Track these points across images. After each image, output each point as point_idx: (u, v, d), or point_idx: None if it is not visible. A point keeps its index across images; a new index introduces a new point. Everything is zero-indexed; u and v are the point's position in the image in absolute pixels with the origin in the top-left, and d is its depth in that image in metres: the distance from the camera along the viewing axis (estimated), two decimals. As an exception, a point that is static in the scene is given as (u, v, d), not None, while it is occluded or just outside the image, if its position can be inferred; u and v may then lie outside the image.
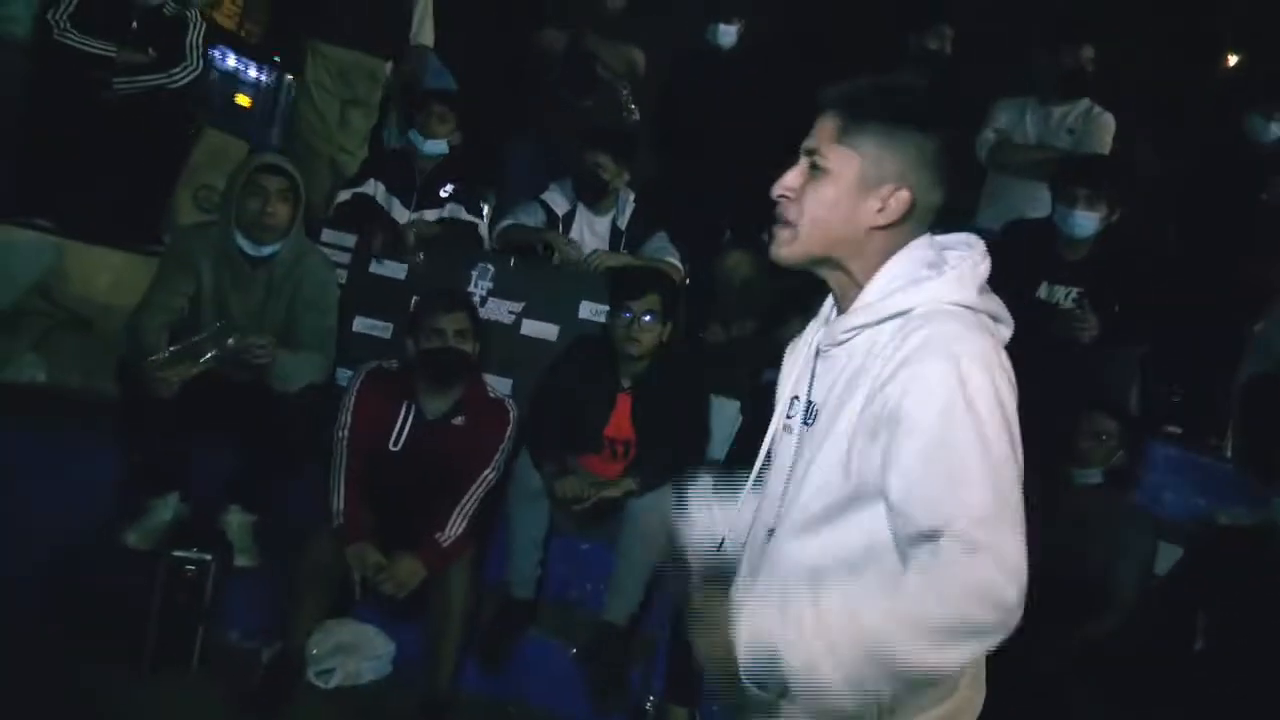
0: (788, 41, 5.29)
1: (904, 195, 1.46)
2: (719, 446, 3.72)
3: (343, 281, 3.92)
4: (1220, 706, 2.82)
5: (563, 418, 3.44)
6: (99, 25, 4.22)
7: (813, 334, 1.60)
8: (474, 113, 4.56)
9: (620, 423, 3.51)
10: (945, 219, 1.53)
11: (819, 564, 1.44)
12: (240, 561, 3.30)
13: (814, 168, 1.48)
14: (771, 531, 1.54)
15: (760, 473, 1.64)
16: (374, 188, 4.26)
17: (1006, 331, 1.48)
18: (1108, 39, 4.96)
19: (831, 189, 1.46)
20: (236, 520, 3.33)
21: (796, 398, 1.58)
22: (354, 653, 3.26)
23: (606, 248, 4.24)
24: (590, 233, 4.29)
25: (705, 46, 4.92)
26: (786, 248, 1.49)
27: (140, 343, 3.21)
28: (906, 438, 1.34)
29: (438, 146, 4.33)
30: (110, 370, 3.34)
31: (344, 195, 4.27)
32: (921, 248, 1.48)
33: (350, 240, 4.09)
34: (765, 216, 4.41)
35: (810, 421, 1.52)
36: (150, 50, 4.31)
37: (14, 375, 3.81)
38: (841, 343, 1.49)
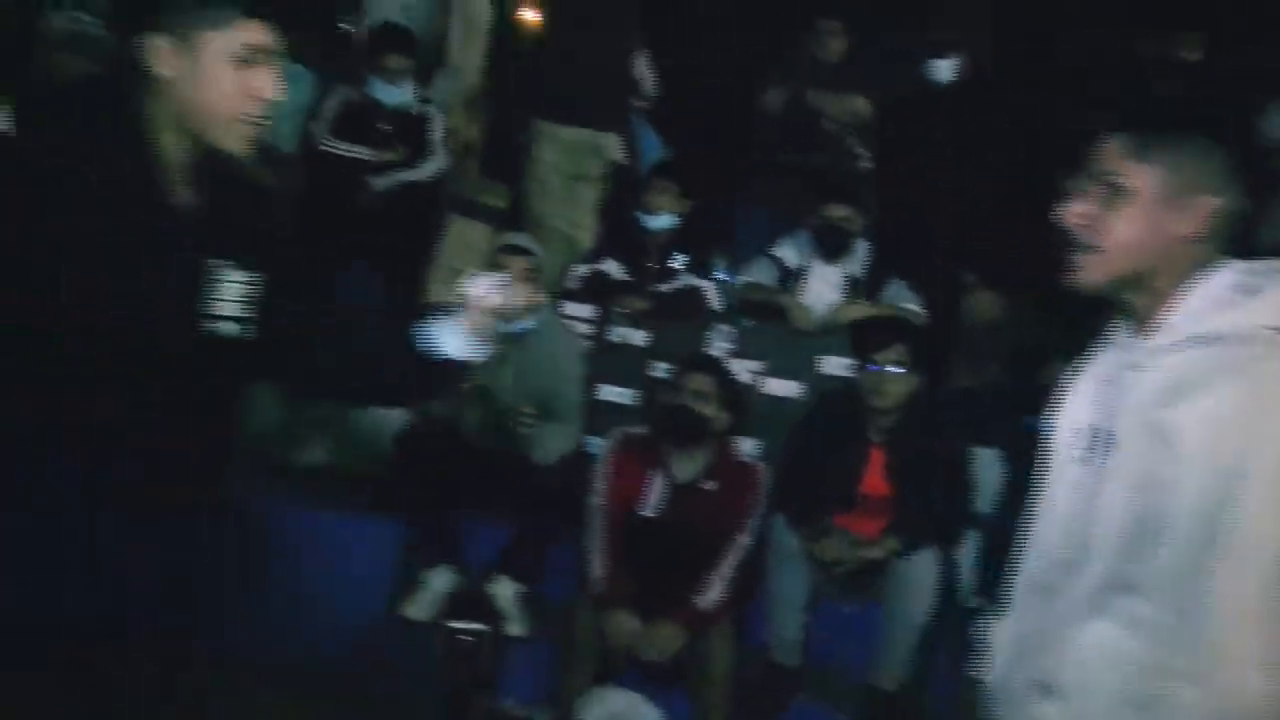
0: (1007, 70, 5.08)
1: (1209, 203, 1.43)
2: (983, 498, 3.54)
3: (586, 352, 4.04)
4: None
5: (814, 476, 3.37)
6: (354, 131, 4.59)
7: (1104, 363, 1.54)
8: (699, 181, 4.62)
9: (874, 478, 3.40)
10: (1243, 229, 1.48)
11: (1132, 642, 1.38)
12: (512, 630, 3.39)
13: (1111, 188, 1.45)
14: (1036, 583, 1.52)
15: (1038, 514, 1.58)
16: (610, 265, 4.38)
17: None
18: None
19: (1135, 207, 1.44)
20: (506, 589, 3.44)
21: (1087, 429, 1.51)
22: (621, 720, 3.27)
23: (842, 299, 4.17)
24: (825, 285, 4.23)
25: (925, 84, 4.81)
26: (1093, 272, 1.46)
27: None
28: None
29: (664, 222, 4.41)
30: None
31: (580, 269, 4.42)
32: (1231, 272, 1.43)
33: (587, 312, 4.21)
34: (1003, 255, 4.18)
35: (1107, 453, 1.46)
36: (400, 148, 4.63)
37: (300, 457, 4.11)
38: (1145, 366, 1.44)
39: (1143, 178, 1.44)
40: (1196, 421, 1.35)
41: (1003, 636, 1.62)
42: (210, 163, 1.59)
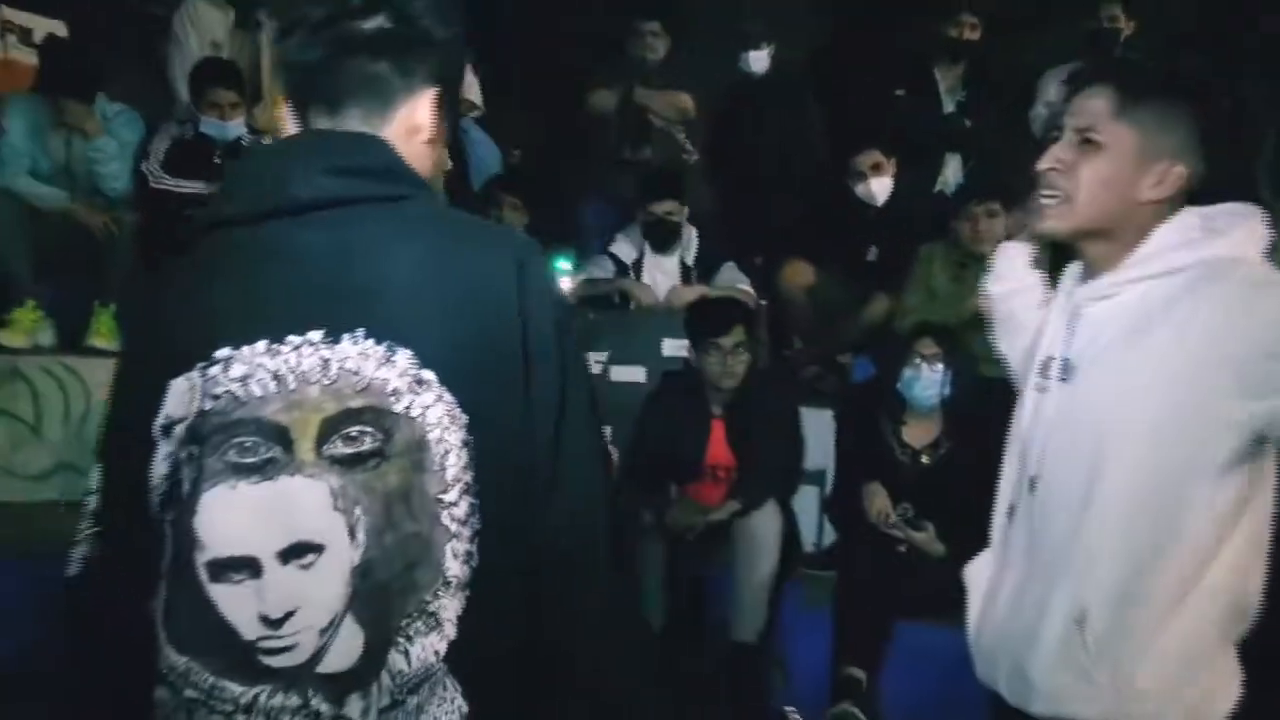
0: (815, 50, 5.42)
1: (1180, 170, 1.48)
2: (815, 455, 3.83)
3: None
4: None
5: (661, 453, 3.59)
6: (187, 167, 4.59)
7: (1065, 296, 1.61)
8: (537, 189, 4.78)
9: (718, 449, 3.65)
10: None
11: (1100, 541, 1.47)
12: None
13: (1087, 142, 1.49)
14: (1034, 480, 1.56)
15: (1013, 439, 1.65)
16: None
17: None
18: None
19: (1108, 164, 1.48)
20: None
21: (1051, 358, 1.58)
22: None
23: (678, 284, 4.41)
24: (661, 274, 4.47)
25: (741, 77, 5.09)
26: (1058, 220, 1.52)
27: None
28: None
29: None
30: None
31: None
32: (1191, 215, 1.50)
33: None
34: (822, 228, 4.49)
35: (1067, 378, 1.53)
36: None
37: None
38: (1108, 296, 1.51)
39: (1120, 136, 1.47)
40: (1159, 351, 1.41)
41: (983, 571, 1.69)
42: None
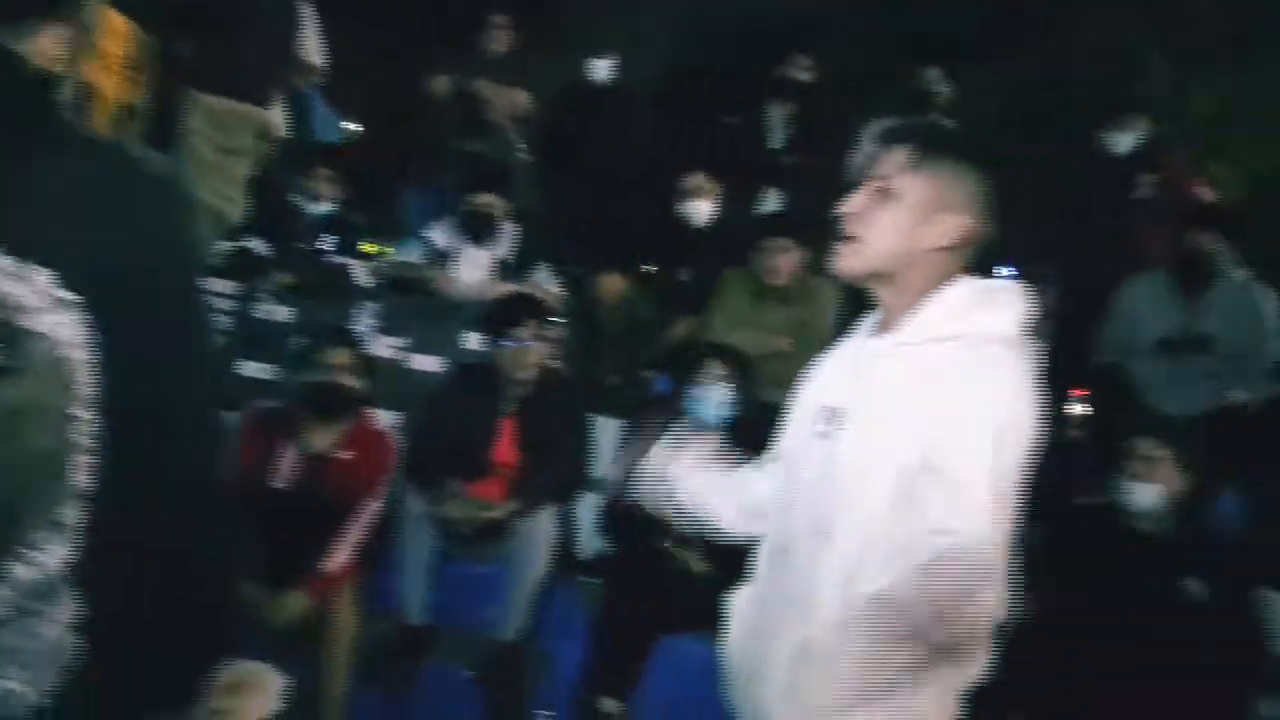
0: (657, 72, 5.52)
1: (963, 223, 1.61)
2: (604, 465, 3.85)
3: (228, 328, 3.99)
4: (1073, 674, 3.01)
5: (448, 444, 3.54)
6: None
7: (852, 348, 1.70)
8: (362, 165, 4.67)
9: (506, 447, 3.62)
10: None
11: (828, 579, 1.54)
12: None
13: (882, 191, 1.61)
14: (783, 549, 1.64)
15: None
16: (256, 244, 4.34)
17: (1037, 366, 1.59)
18: (958, 61, 5.28)
19: (900, 212, 1.60)
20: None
21: (828, 409, 1.64)
22: (242, 691, 3.27)
23: (490, 280, 4.37)
24: (474, 267, 4.42)
25: (582, 83, 5.12)
26: (850, 260, 1.63)
27: None
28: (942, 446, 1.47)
29: (324, 208, 4.43)
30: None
31: (225, 246, 4.34)
32: (972, 284, 1.62)
33: (232, 288, 4.16)
34: (644, 243, 4.57)
35: (844, 427, 1.60)
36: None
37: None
38: (888, 356, 1.60)
39: (912, 187, 1.60)
40: (907, 416, 1.50)
41: (743, 603, 1.72)
42: None
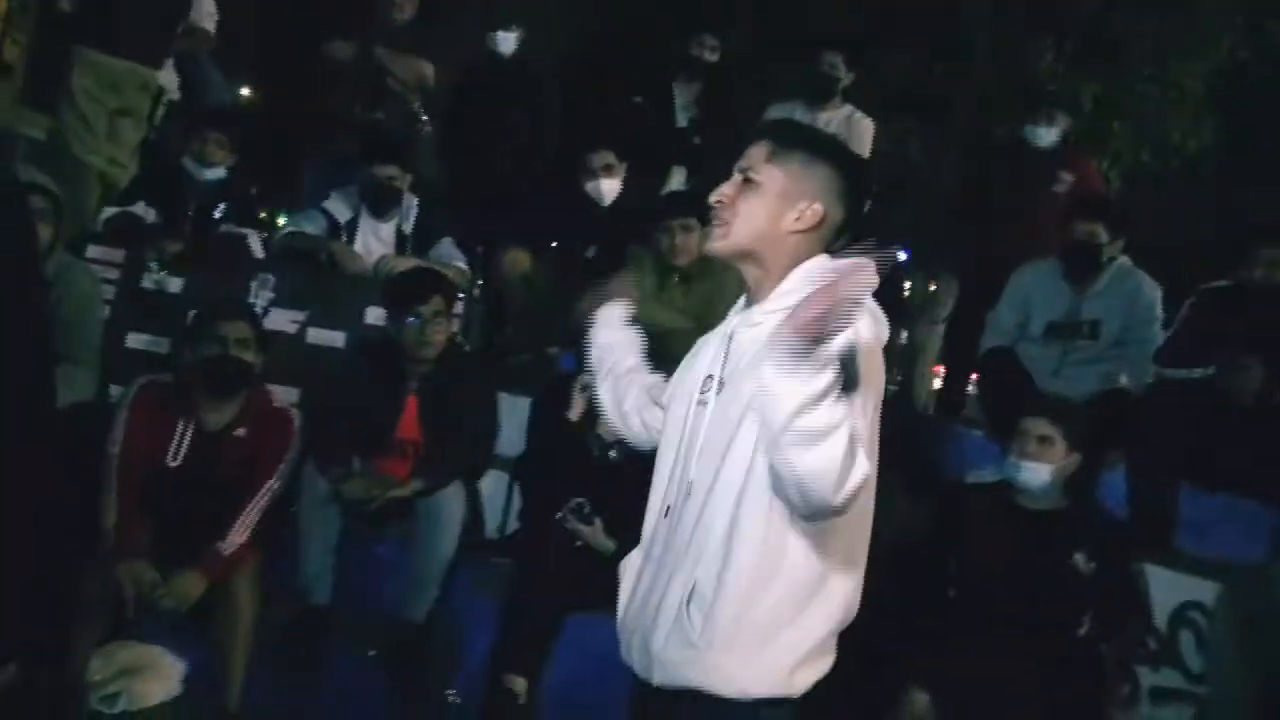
0: (564, 48, 5.47)
1: (817, 209, 1.79)
2: (509, 442, 3.83)
3: (111, 298, 3.81)
4: (969, 647, 3.12)
5: (350, 422, 3.46)
6: None
7: (727, 323, 1.87)
8: (253, 132, 4.50)
9: (410, 424, 3.56)
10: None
11: (711, 527, 1.72)
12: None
13: (746, 181, 1.80)
14: (691, 485, 1.77)
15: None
16: (144, 210, 4.15)
17: (884, 331, 1.77)
18: (864, 45, 5.37)
19: (761, 198, 1.79)
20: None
21: (710, 376, 1.83)
22: (140, 674, 3.17)
23: (392, 253, 4.27)
24: (375, 239, 4.31)
25: (487, 55, 5.03)
26: (720, 241, 1.82)
27: None
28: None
29: (214, 173, 4.26)
30: None
31: (110, 211, 4.14)
32: (824, 259, 1.80)
33: (118, 255, 3.97)
34: (547, 220, 4.56)
35: (719, 393, 1.79)
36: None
37: None
38: (755, 324, 1.77)
39: (770, 177, 1.79)
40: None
41: (633, 566, 1.89)
42: None
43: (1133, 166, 10.48)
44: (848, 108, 5.06)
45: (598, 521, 3.37)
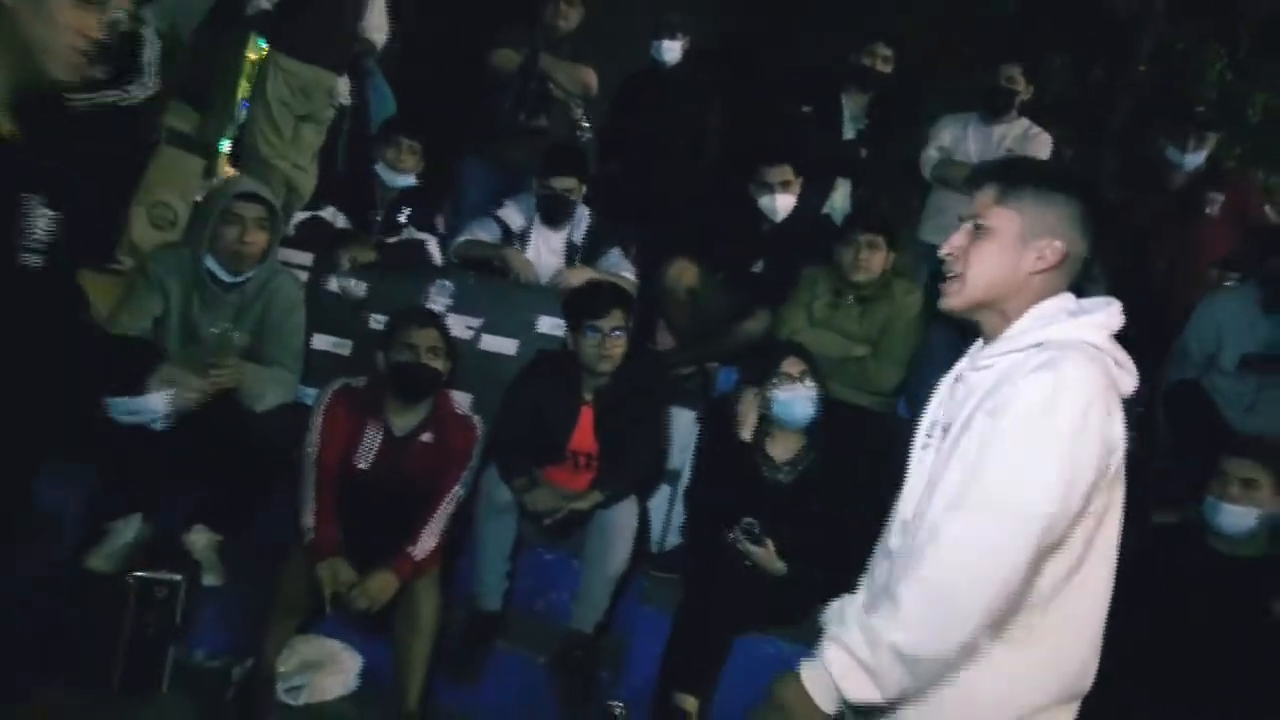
0: (730, 58, 5.43)
1: (1058, 246, 1.73)
2: (677, 455, 3.83)
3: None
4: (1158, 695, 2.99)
5: (528, 432, 3.51)
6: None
7: (958, 367, 1.84)
8: (431, 137, 4.61)
9: (584, 435, 3.59)
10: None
11: None
12: (208, 580, 3.29)
13: (978, 229, 1.76)
14: (889, 552, 1.80)
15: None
16: (332, 215, 4.29)
17: (1128, 381, 1.71)
18: (1032, 58, 5.19)
19: (995, 244, 1.74)
20: (202, 539, 3.33)
21: (935, 422, 1.81)
22: (321, 669, 3.29)
23: (562, 263, 4.32)
24: (546, 248, 4.36)
25: (651, 64, 5.04)
26: (955, 298, 1.78)
27: None
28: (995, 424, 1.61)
29: (405, 180, 4.38)
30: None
31: (301, 216, 4.30)
32: (1065, 298, 1.75)
33: (306, 259, 4.11)
34: (716, 228, 4.52)
35: (943, 437, 1.76)
36: (104, 66, 4.27)
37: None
38: (982, 368, 1.74)
39: (1003, 220, 1.74)
40: (1009, 404, 1.61)
41: (854, 608, 1.82)
42: (33, 93, 1.70)
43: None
44: (1024, 121, 4.90)
45: (769, 543, 3.35)
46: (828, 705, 1.68)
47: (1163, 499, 3.77)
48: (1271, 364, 3.90)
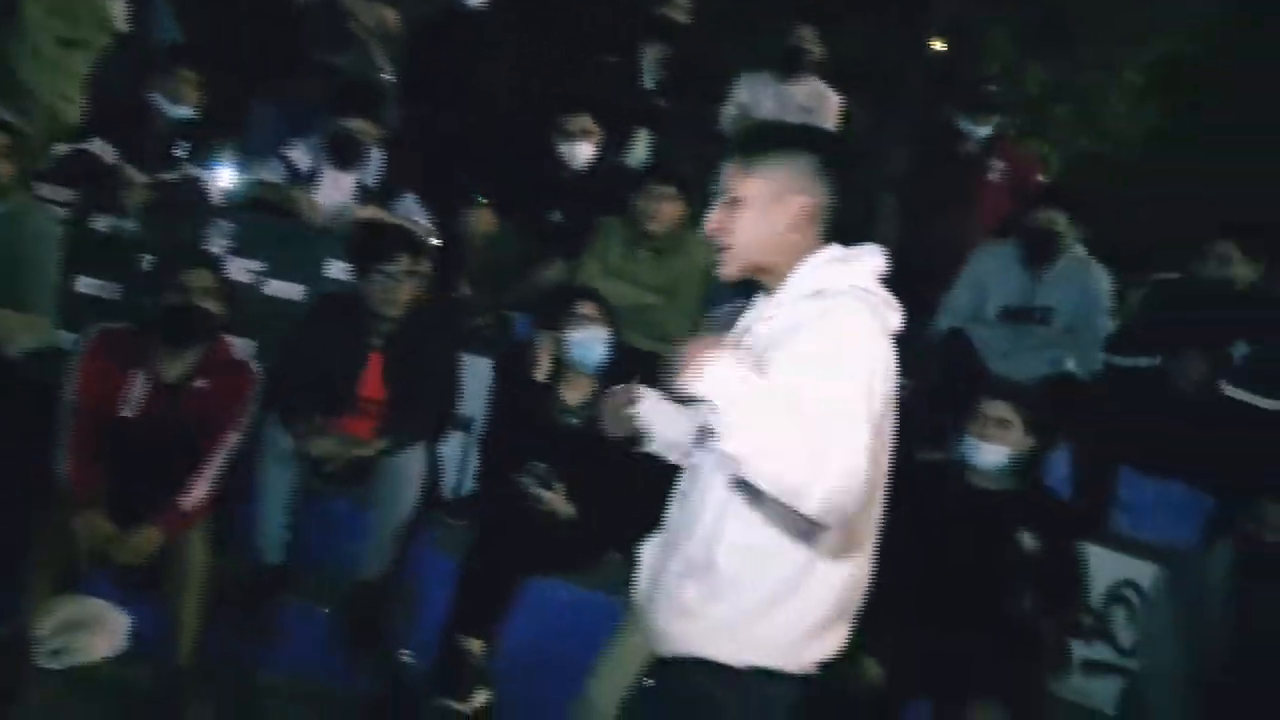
0: (531, 4, 5.37)
1: (804, 200, 1.80)
2: (470, 404, 3.80)
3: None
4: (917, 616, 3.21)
5: (313, 378, 3.41)
6: None
7: (746, 318, 1.91)
8: (217, 70, 4.36)
9: (373, 382, 3.51)
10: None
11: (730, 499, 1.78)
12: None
13: (732, 201, 1.83)
14: (685, 494, 1.89)
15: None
16: (101, 148, 4.00)
17: (895, 318, 1.81)
18: (826, 19, 5.37)
19: (750, 212, 1.82)
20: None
21: None
22: (85, 629, 3.12)
23: (353, 205, 4.19)
24: (336, 191, 4.22)
25: (452, 6, 4.92)
26: (728, 267, 1.86)
27: None
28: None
29: (184, 112, 4.13)
30: None
31: (64, 149, 3.99)
32: (832, 249, 1.83)
33: (67, 195, 3.83)
34: (514, 175, 4.49)
35: None
36: None
37: None
38: (767, 318, 1.82)
39: (751, 188, 1.82)
40: (790, 354, 1.70)
41: (651, 549, 1.95)
42: None
43: (1073, 151, 10.70)
44: (816, 82, 5.07)
45: (558, 487, 3.37)
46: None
47: (928, 438, 4.04)
48: (1026, 315, 4.22)
